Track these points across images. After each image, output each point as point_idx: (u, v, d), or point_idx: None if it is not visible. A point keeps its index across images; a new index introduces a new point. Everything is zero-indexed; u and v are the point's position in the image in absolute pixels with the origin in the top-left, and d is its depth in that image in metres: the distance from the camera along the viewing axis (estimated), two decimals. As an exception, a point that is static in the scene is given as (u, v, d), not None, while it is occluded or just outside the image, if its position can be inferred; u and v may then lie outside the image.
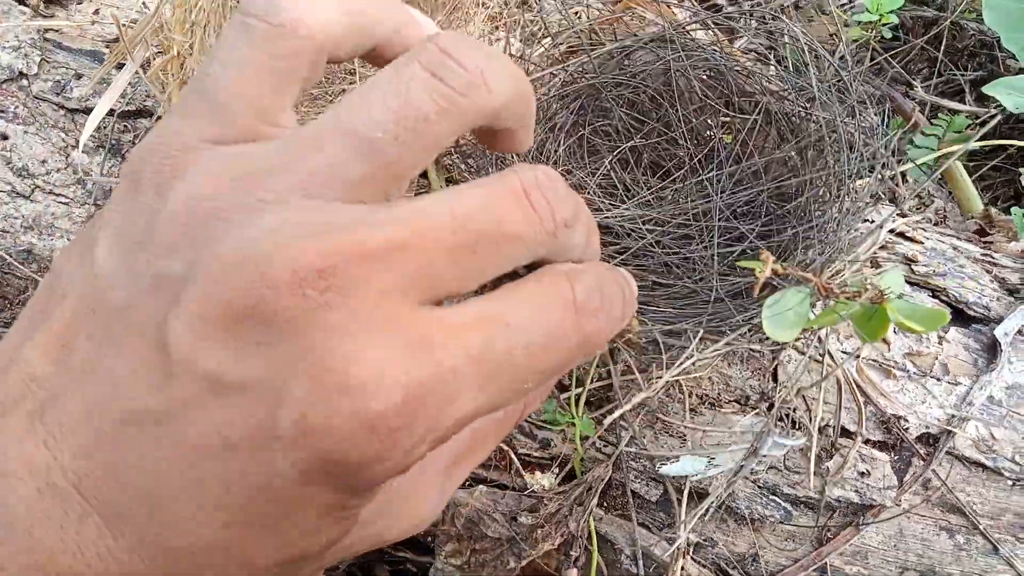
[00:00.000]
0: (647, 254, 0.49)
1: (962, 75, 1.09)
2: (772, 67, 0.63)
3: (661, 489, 0.61)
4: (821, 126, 0.57)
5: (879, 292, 0.39)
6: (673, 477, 0.58)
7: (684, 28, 0.55)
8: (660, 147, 0.61)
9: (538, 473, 0.61)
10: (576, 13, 0.55)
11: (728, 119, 0.58)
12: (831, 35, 1.20)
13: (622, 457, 0.60)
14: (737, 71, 0.56)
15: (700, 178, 0.55)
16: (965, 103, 1.04)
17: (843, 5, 1.25)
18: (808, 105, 0.60)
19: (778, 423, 0.58)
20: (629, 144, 0.59)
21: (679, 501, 0.59)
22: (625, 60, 0.55)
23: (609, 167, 0.58)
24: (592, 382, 0.59)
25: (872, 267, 0.63)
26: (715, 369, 0.60)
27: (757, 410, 0.58)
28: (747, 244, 0.52)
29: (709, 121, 0.59)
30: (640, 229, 0.49)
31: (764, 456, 0.57)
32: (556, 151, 0.53)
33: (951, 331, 0.61)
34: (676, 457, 0.58)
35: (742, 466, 0.58)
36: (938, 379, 0.59)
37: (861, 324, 0.46)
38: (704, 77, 0.57)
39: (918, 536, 0.58)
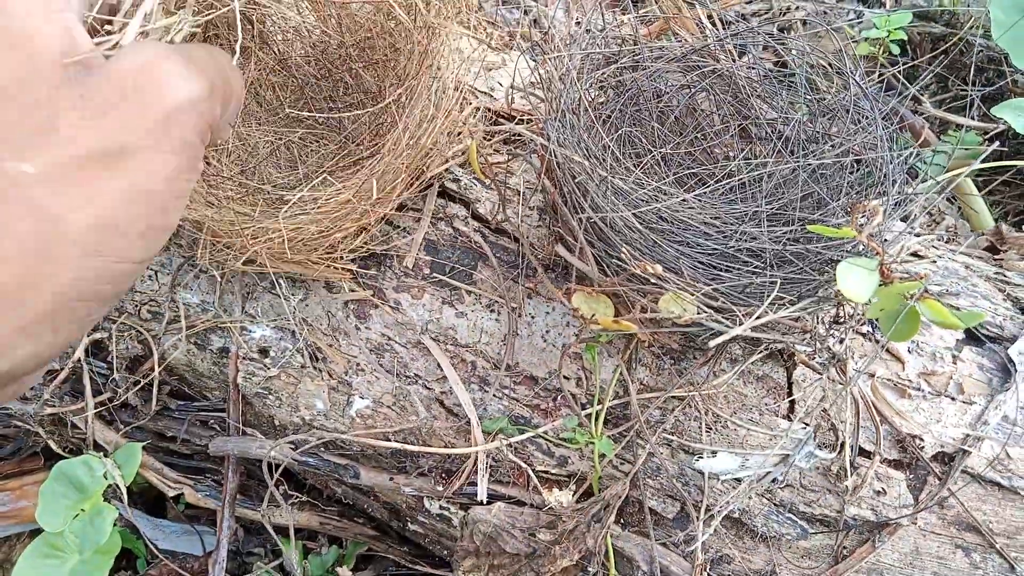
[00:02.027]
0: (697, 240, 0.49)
1: (970, 90, 1.10)
2: (784, 88, 0.64)
3: (678, 507, 0.61)
4: (836, 146, 0.58)
5: (923, 286, 0.42)
6: (706, 474, 0.59)
7: (709, 51, 0.56)
8: (688, 158, 0.62)
9: (556, 490, 0.62)
10: (619, 27, 0.56)
11: (746, 143, 0.59)
12: (838, 51, 1.21)
13: (640, 474, 0.60)
14: (758, 96, 0.57)
15: (740, 179, 0.56)
16: (973, 118, 1.05)
17: (850, 21, 1.26)
18: (825, 124, 0.61)
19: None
20: (660, 151, 0.60)
21: (696, 508, 0.60)
22: (657, 79, 0.56)
23: (649, 164, 0.59)
24: (610, 400, 0.60)
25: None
26: (731, 388, 0.60)
27: (799, 419, 0.58)
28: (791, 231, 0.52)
29: (728, 142, 0.60)
30: (687, 217, 0.50)
31: (795, 465, 0.58)
32: (604, 139, 0.54)
33: (965, 350, 0.62)
34: (714, 452, 0.58)
35: (768, 472, 0.59)
36: (953, 398, 0.60)
37: (889, 325, 0.47)
38: (727, 99, 0.58)
39: (934, 554, 0.59)
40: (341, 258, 0.61)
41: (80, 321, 0.26)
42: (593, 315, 0.52)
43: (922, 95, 1.11)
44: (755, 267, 0.50)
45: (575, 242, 0.52)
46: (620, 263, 0.50)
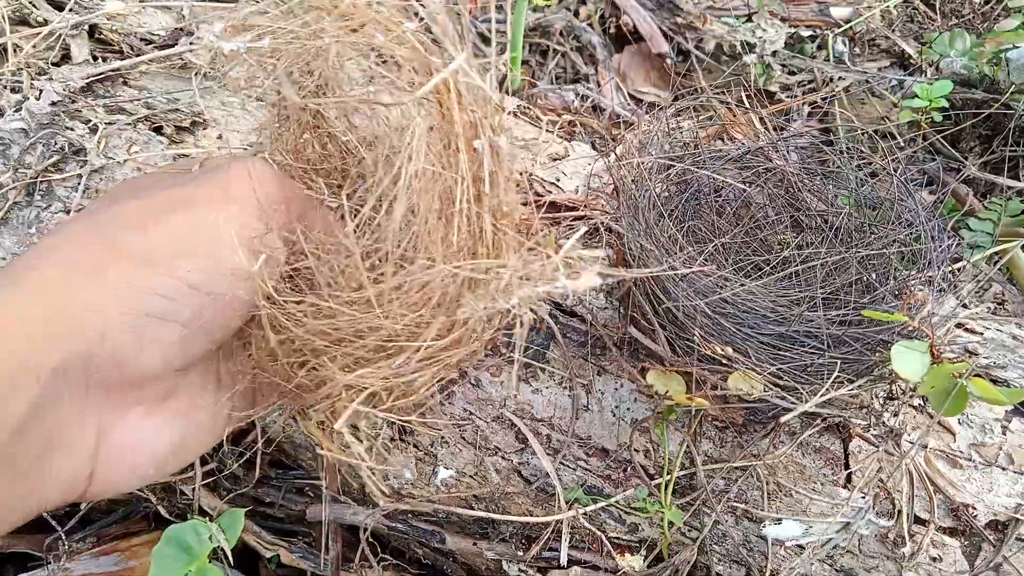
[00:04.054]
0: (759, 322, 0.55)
1: (1012, 151, 1.13)
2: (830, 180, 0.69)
3: (743, 572, 0.65)
4: (882, 237, 0.63)
5: (972, 368, 0.47)
6: (771, 540, 0.63)
7: (762, 151, 0.62)
8: (745, 247, 0.67)
9: (628, 555, 0.66)
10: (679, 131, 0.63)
11: (797, 234, 0.64)
12: (882, 118, 1.26)
13: (706, 541, 0.65)
14: (808, 190, 0.62)
15: (795, 268, 0.61)
16: (1019, 179, 1.08)
17: (892, 87, 1.31)
18: (871, 216, 0.66)
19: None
20: (721, 241, 0.66)
21: (761, 572, 0.64)
22: (715, 176, 0.62)
23: (710, 253, 0.64)
24: (677, 471, 0.65)
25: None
26: (791, 459, 0.65)
27: (857, 487, 0.62)
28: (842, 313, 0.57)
29: (781, 231, 0.65)
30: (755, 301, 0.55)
31: (855, 532, 0.62)
32: (670, 230, 0.60)
33: (1014, 422, 0.65)
34: (779, 520, 0.62)
35: (830, 539, 0.63)
36: (1003, 468, 0.63)
37: (940, 403, 0.52)
38: (779, 193, 0.64)
39: (991, 619, 0.62)
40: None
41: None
42: (667, 391, 0.57)
43: (966, 158, 1.14)
44: (813, 347, 0.55)
45: (647, 325, 0.58)
46: (689, 344, 0.56)
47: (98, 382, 0.36)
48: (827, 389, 0.49)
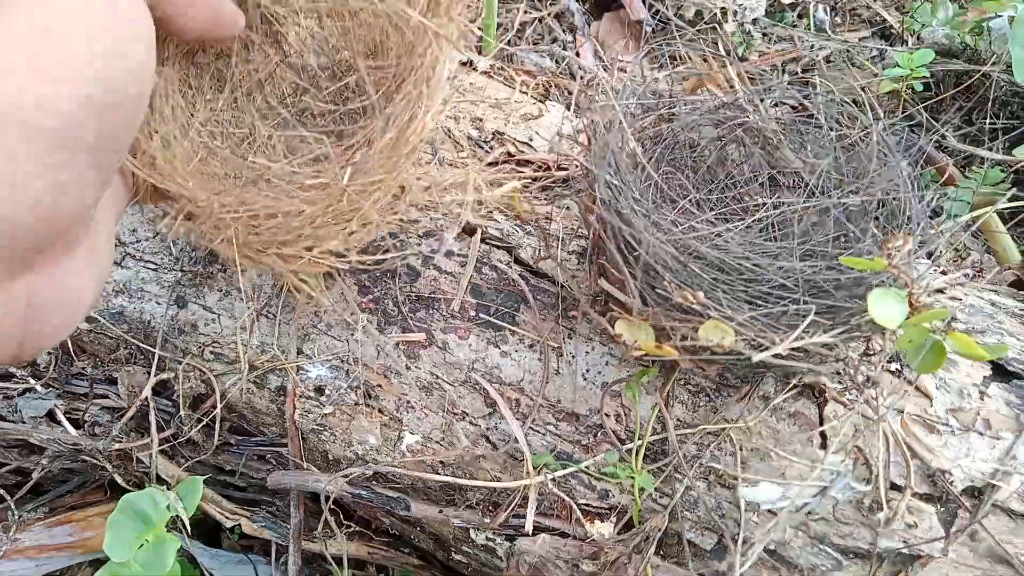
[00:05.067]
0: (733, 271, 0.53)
1: (993, 124, 1.12)
2: (809, 134, 0.67)
3: (715, 538, 0.64)
4: (860, 189, 0.61)
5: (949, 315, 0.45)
6: (742, 504, 0.62)
7: (739, 105, 0.60)
8: (720, 204, 0.65)
9: (598, 522, 0.64)
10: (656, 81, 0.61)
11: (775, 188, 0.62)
12: (861, 88, 1.24)
13: (678, 507, 0.63)
14: (786, 147, 0.60)
15: (771, 218, 0.59)
16: (997, 151, 1.07)
17: (873, 57, 1.29)
18: (849, 170, 0.64)
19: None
20: (695, 196, 0.64)
21: (734, 540, 0.62)
22: (690, 131, 0.60)
23: (683, 208, 0.62)
24: (649, 436, 0.63)
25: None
26: (765, 424, 0.63)
27: (833, 451, 0.61)
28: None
29: (757, 191, 0.63)
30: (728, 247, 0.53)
31: (832, 496, 0.60)
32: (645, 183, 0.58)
33: (992, 387, 0.64)
34: (757, 482, 0.61)
35: (806, 503, 0.61)
36: (981, 434, 0.62)
37: (915, 357, 0.50)
38: (756, 150, 0.61)
39: (966, 585, 0.61)
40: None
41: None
42: (635, 341, 0.55)
43: (946, 131, 1.13)
44: (788, 300, 0.53)
45: (617, 275, 0.55)
46: (660, 296, 0.53)
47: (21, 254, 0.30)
48: (801, 333, 0.47)
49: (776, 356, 0.44)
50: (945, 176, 1.01)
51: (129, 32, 0.30)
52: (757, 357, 0.43)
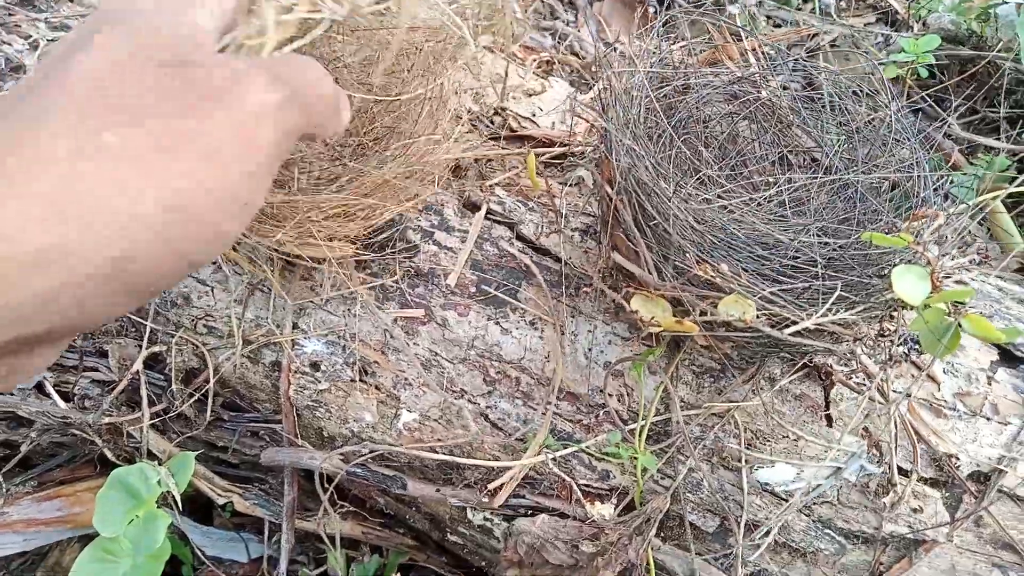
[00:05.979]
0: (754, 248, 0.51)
1: (998, 112, 1.11)
2: (819, 114, 0.66)
3: (717, 521, 0.63)
4: (873, 169, 0.60)
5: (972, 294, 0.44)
6: (762, 484, 0.61)
7: (752, 81, 0.58)
8: (730, 181, 0.64)
9: (598, 503, 0.63)
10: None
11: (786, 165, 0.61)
12: (866, 74, 1.23)
13: (680, 489, 0.62)
14: (797, 126, 0.59)
15: (787, 193, 0.58)
16: (1002, 139, 1.06)
17: (878, 43, 1.28)
18: (862, 149, 0.63)
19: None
20: (706, 173, 0.62)
21: (737, 522, 0.61)
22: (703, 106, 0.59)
23: (696, 183, 0.61)
24: (652, 416, 0.62)
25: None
26: (770, 406, 0.62)
27: (847, 432, 0.60)
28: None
29: (768, 169, 0.62)
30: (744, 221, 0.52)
31: (845, 478, 0.59)
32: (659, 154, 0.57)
33: (999, 372, 0.63)
34: (772, 463, 0.60)
35: (819, 484, 0.60)
36: (988, 419, 0.61)
37: (930, 340, 0.49)
38: (768, 127, 0.60)
39: (970, 572, 0.60)
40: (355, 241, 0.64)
41: (109, 301, 0.25)
42: (652, 317, 0.53)
43: (950, 116, 1.12)
44: (810, 275, 0.51)
45: (632, 247, 0.54)
46: (678, 269, 0.52)
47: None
48: (828, 309, 0.46)
49: (798, 333, 0.43)
50: (951, 162, 1.00)
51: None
52: (790, 330, 0.42)
